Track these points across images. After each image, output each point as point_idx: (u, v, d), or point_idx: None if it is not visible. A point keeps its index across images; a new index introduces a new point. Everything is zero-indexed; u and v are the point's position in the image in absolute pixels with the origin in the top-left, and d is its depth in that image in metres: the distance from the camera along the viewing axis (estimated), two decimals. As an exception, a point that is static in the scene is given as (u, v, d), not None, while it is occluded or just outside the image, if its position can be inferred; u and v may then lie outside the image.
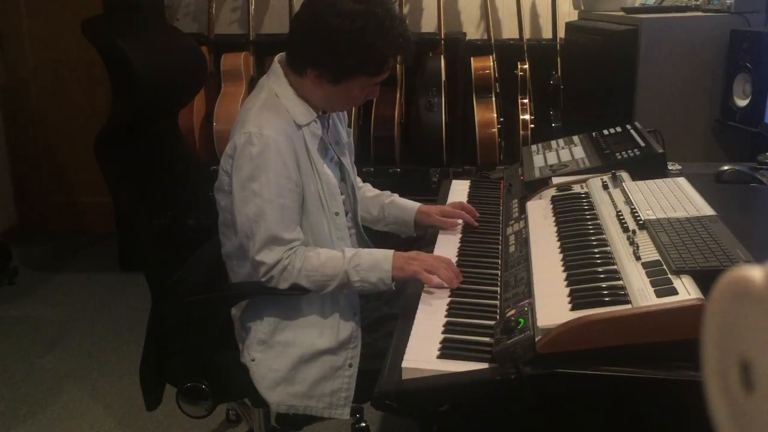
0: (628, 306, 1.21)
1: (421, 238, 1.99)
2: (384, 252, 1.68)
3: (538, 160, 2.21)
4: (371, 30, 1.61)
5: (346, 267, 1.64)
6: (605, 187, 1.80)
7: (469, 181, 2.35)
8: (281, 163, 1.63)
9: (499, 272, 1.64)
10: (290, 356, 1.73)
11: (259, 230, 1.63)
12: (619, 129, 2.29)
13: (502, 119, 3.71)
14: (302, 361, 1.72)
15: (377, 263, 1.65)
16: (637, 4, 3.43)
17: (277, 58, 1.78)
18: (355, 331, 1.76)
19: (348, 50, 1.62)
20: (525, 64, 3.73)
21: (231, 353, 1.82)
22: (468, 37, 3.95)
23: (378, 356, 1.42)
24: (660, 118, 2.80)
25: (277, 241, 1.64)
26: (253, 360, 1.75)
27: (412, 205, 2.00)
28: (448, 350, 1.32)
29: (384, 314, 1.84)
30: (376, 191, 2.06)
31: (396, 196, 2.05)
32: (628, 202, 1.65)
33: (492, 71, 3.72)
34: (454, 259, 1.73)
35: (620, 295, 1.25)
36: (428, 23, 4.02)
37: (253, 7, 3.91)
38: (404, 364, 1.27)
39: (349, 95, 1.72)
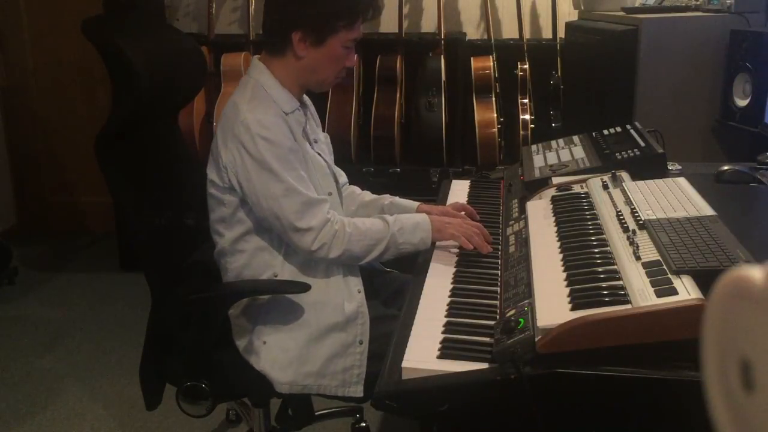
0: (628, 306, 1.21)
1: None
2: (419, 215, 1.84)
3: (538, 160, 2.21)
4: None
5: (392, 230, 1.74)
6: (605, 187, 1.80)
7: (469, 181, 2.35)
8: (285, 140, 1.71)
9: (499, 272, 1.64)
10: (300, 335, 1.76)
11: (293, 201, 1.69)
12: (619, 129, 2.29)
13: (502, 119, 3.71)
14: (312, 339, 1.75)
15: (418, 224, 1.78)
16: (637, 4, 3.43)
17: (254, 57, 1.86)
18: (361, 306, 1.79)
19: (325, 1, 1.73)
20: (525, 64, 3.73)
21: (231, 352, 1.82)
22: (468, 37, 3.95)
23: (377, 358, 1.43)
24: (660, 118, 2.80)
25: (314, 202, 1.71)
26: (264, 343, 1.76)
27: (411, 205, 2.02)
28: (448, 350, 1.32)
29: (383, 314, 1.84)
30: (374, 196, 2.08)
31: (395, 198, 2.07)
32: (628, 202, 1.65)
33: (492, 71, 3.72)
34: (454, 260, 1.74)
35: (620, 295, 1.25)
36: (428, 23, 4.02)
37: (253, 7, 3.90)
38: (404, 364, 1.27)
39: (334, 55, 1.78)
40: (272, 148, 1.68)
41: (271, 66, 1.79)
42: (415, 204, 2.02)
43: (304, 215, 1.69)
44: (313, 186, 1.77)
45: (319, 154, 1.87)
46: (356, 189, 2.08)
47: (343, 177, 2.02)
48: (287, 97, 1.79)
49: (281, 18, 1.77)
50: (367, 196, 2.07)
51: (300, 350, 1.75)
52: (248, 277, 1.80)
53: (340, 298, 1.77)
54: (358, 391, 1.76)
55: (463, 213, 1.95)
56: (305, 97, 1.91)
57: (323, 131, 2.02)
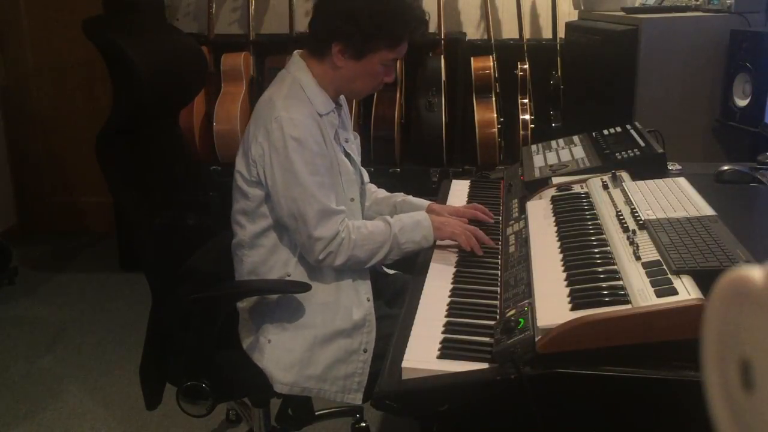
0: (628, 306, 1.21)
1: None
2: (419, 213, 1.86)
3: (538, 160, 2.21)
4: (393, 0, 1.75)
5: (394, 230, 1.75)
6: (605, 187, 1.80)
7: (469, 181, 2.35)
8: (314, 143, 1.71)
9: (499, 272, 1.64)
10: (306, 337, 1.75)
11: (311, 207, 1.69)
12: (619, 129, 2.29)
13: (502, 119, 3.71)
14: (317, 342, 1.75)
15: (419, 223, 1.79)
16: (637, 4, 3.43)
17: (295, 52, 1.85)
18: (369, 314, 1.79)
19: (370, 19, 1.71)
20: (525, 64, 3.73)
21: (232, 352, 1.82)
22: (468, 37, 3.95)
23: (379, 358, 1.43)
24: (660, 118, 2.79)
25: (330, 212, 1.71)
26: (269, 341, 1.76)
27: (422, 203, 2.03)
28: (448, 350, 1.32)
29: (386, 315, 1.85)
30: (388, 193, 2.10)
31: (408, 196, 2.08)
32: (628, 202, 1.65)
33: (492, 71, 3.71)
34: (454, 260, 1.74)
35: (620, 295, 1.25)
36: (428, 23, 4.01)
37: (253, 7, 3.90)
38: (404, 364, 1.27)
39: (372, 71, 1.77)
40: (300, 149, 1.68)
41: (311, 64, 1.79)
42: (426, 202, 2.03)
43: (318, 224, 1.69)
44: (338, 192, 1.77)
45: (349, 154, 1.88)
46: (372, 186, 2.10)
47: (366, 176, 2.04)
48: (323, 97, 1.79)
49: (325, 27, 1.76)
50: (381, 193, 2.09)
51: (304, 353, 1.75)
52: (262, 273, 1.81)
53: (349, 304, 1.77)
54: (357, 398, 1.76)
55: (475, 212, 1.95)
56: (340, 97, 1.90)
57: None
